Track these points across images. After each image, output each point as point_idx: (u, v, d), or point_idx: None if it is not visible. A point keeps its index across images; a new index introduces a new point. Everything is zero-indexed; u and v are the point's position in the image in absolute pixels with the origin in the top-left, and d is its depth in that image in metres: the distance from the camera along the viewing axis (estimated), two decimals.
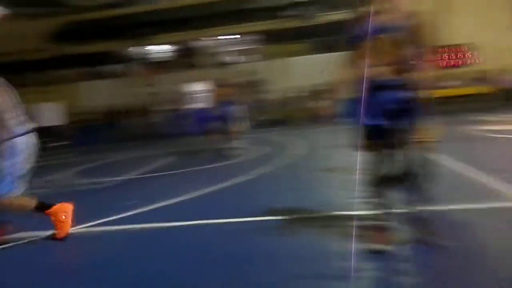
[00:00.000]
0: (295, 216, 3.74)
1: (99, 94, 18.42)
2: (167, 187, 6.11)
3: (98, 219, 4.19)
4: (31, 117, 9.93)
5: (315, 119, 15.21)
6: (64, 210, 3.67)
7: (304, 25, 18.62)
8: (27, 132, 3.55)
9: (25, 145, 3.51)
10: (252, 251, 3.04)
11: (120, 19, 18.45)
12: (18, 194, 3.49)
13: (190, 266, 2.87)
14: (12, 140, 3.42)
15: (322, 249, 2.93)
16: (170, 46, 20.03)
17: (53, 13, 19.36)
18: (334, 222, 3.44)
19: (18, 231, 3.84)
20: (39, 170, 9.22)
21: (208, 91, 8.44)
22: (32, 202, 3.60)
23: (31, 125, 3.63)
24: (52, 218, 3.63)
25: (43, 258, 3.38)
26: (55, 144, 10.71)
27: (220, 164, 7.52)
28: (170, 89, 8.79)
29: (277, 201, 4.44)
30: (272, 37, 19.15)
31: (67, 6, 19.92)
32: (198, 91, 8.22)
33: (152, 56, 20.20)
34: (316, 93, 17.17)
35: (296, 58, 18.50)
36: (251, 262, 2.86)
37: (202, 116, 8.44)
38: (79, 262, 3.30)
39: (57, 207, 3.65)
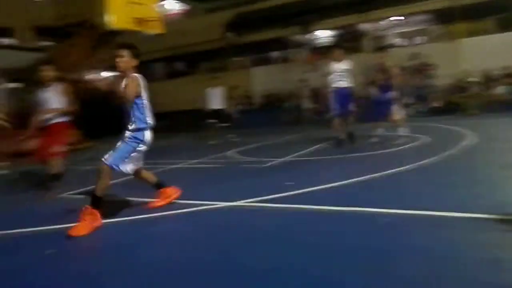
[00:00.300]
0: (460, 214, 3.31)
1: (265, 79, 19.48)
2: (322, 171, 6.17)
3: (255, 196, 4.42)
4: (204, 100, 11.01)
5: (492, 107, 13.29)
6: (92, 213, 3.70)
7: (480, 1, 16.21)
8: (151, 127, 4.04)
9: (148, 137, 4.00)
10: (403, 246, 2.82)
11: (288, 6, 19.09)
12: (120, 171, 3.91)
13: (329, 257, 2.76)
14: (142, 130, 3.94)
15: (488, 256, 2.52)
16: (335, 31, 19.87)
17: (227, 6, 21.16)
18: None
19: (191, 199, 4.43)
20: (208, 147, 10.37)
21: (352, 71, 8.09)
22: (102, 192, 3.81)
23: (152, 122, 4.08)
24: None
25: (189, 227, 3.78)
26: (223, 125, 11.73)
27: (377, 152, 7.21)
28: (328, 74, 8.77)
29: (442, 196, 4.03)
30: (442, 17, 17.27)
31: None
32: (344, 70, 7.86)
33: (317, 41, 20.35)
34: (495, 78, 14.98)
35: (470, 39, 16.29)
36: (398, 257, 2.66)
37: (348, 99, 8.14)
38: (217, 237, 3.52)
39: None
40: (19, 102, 19.95)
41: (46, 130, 5.50)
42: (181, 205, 4.37)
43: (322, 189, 4.64)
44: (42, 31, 21.36)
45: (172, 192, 4.46)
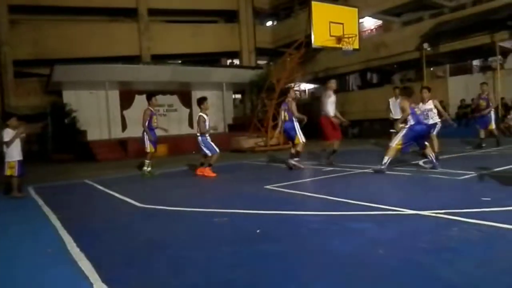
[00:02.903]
0: None
1: (464, 89, 17.16)
2: None
3: (444, 208, 4.07)
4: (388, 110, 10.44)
5: None
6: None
7: None
8: None
9: None
10: None
11: (497, 10, 16.26)
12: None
13: None
14: None
15: None
16: None
17: (425, 17, 19.57)
18: None
19: None
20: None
21: None
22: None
23: None
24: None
25: None
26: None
27: None
28: None
29: None
30: None
31: (437, 7, 19.64)
32: None
33: None
34: None
35: None
36: None
37: None
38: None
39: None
40: (241, 109, 23.24)
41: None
42: (366, 208, 4.40)
43: None
44: (260, 52, 24.36)
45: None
